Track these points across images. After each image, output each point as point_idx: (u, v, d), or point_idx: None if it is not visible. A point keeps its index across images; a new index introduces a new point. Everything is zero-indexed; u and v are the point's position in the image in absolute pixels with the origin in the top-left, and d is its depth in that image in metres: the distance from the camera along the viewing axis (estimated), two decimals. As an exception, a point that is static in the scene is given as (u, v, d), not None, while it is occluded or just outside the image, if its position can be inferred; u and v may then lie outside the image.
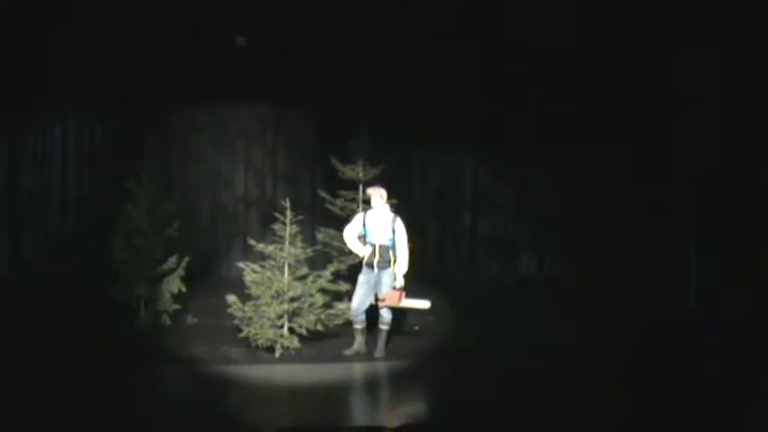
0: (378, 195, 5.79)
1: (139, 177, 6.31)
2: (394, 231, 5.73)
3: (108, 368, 5.26)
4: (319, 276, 5.91)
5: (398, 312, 5.94)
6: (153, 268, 6.23)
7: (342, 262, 6.57)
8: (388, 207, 5.83)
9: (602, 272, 8.01)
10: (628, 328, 6.21)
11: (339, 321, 5.93)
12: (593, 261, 8.26)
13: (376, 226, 5.75)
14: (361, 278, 5.83)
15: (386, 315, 5.74)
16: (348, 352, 5.79)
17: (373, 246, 5.76)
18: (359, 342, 5.84)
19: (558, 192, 8.71)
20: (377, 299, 5.68)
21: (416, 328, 6.54)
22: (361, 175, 6.66)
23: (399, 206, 6.10)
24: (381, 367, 5.69)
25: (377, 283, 5.75)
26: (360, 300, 5.77)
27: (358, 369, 5.61)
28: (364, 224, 5.84)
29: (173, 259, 6.35)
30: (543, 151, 8.61)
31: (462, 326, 6.63)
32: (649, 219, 7.59)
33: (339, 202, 6.70)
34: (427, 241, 8.61)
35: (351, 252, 6.02)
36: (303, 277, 5.84)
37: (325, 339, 5.95)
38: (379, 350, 5.75)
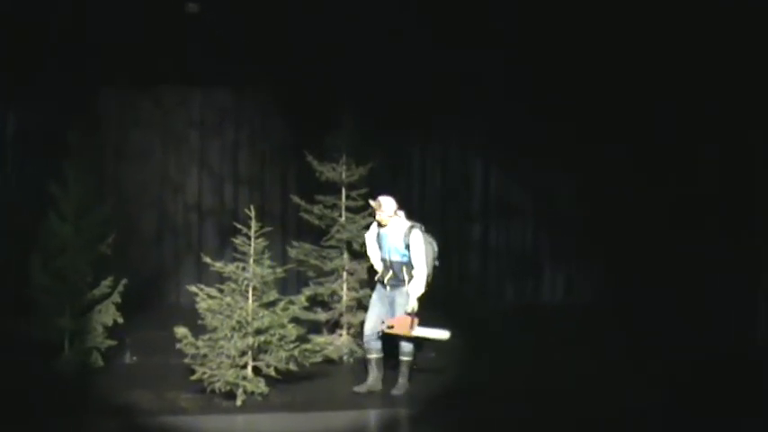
0: (385, 207, 5.83)
1: (64, 180, 6.16)
2: (408, 246, 5.72)
3: (21, 426, 5.11)
4: (292, 303, 5.85)
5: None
6: (81, 295, 6.15)
7: (320, 284, 6.61)
8: (403, 215, 5.83)
9: (647, 296, 8.05)
10: (682, 369, 6.30)
11: (317, 359, 5.88)
12: (636, 283, 8.29)
13: (387, 239, 5.81)
14: (374, 297, 5.91)
15: (405, 345, 5.77)
16: (359, 389, 5.81)
17: (385, 261, 5.83)
18: (373, 377, 5.85)
19: (590, 197, 8.75)
20: (389, 327, 5.72)
21: (414, 366, 6.47)
22: (343, 176, 6.68)
23: (411, 215, 6.22)
24: (371, 418, 5.63)
25: (391, 305, 5.79)
26: (372, 323, 5.80)
27: (340, 420, 5.53)
28: (378, 237, 5.92)
29: (106, 282, 6.28)
30: (571, 148, 8.66)
31: (470, 364, 6.69)
32: (711, 232, 7.62)
33: (317, 209, 6.69)
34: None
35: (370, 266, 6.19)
36: (272, 304, 5.81)
37: (300, 382, 5.92)
38: (399, 386, 5.80)
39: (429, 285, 5.77)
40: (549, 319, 8.30)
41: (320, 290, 6.63)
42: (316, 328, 6.63)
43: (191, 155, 8.94)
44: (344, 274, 6.58)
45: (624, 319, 7.93)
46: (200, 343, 5.67)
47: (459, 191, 9.08)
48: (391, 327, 5.68)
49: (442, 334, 5.84)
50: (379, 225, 5.82)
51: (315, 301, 6.55)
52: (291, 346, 5.75)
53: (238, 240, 5.75)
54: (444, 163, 9.11)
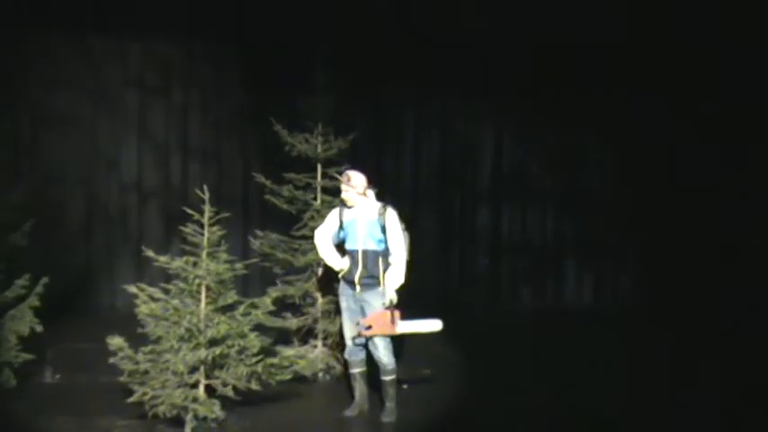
0: (355, 182, 5.82)
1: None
2: (384, 228, 5.76)
3: None
4: (255, 306, 5.79)
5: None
6: (-11, 297, 6.04)
7: (290, 284, 6.65)
8: (373, 195, 5.89)
9: (694, 300, 8.19)
10: (740, 394, 6.34)
11: (285, 376, 5.81)
12: (680, 284, 8.47)
13: (358, 224, 5.84)
14: (342, 302, 5.93)
15: (384, 358, 5.80)
16: (350, 412, 5.93)
17: (354, 253, 5.82)
18: (359, 394, 5.95)
19: (629, 178, 8.97)
20: (367, 327, 5.73)
21: (405, 386, 6.51)
22: (319, 149, 6.75)
23: (381, 195, 6.28)
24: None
25: (363, 308, 5.82)
26: (352, 332, 5.88)
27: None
28: (341, 223, 5.92)
29: (21, 282, 6.23)
30: (606, 115, 8.82)
31: (475, 383, 6.76)
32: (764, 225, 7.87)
33: (286, 190, 6.73)
34: (421, 247, 8.65)
35: (324, 265, 6.12)
36: (230, 308, 5.78)
37: (264, 405, 5.92)
38: (387, 412, 5.87)
39: (406, 280, 5.82)
40: (574, 326, 8.39)
41: (290, 290, 6.66)
42: (284, 337, 6.70)
43: (128, 121, 8.98)
44: (320, 270, 6.58)
45: (669, 326, 8.05)
46: (139, 356, 5.62)
47: (463, 167, 9.17)
48: (369, 327, 5.72)
49: (433, 324, 5.86)
50: (345, 206, 5.88)
51: (283, 305, 6.60)
52: (254, 360, 5.73)
53: (188, 229, 5.69)
54: (445, 132, 9.17)
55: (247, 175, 7.82)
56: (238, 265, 5.79)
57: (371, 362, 5.92)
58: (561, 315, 8.70)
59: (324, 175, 6.81)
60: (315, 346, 6.79)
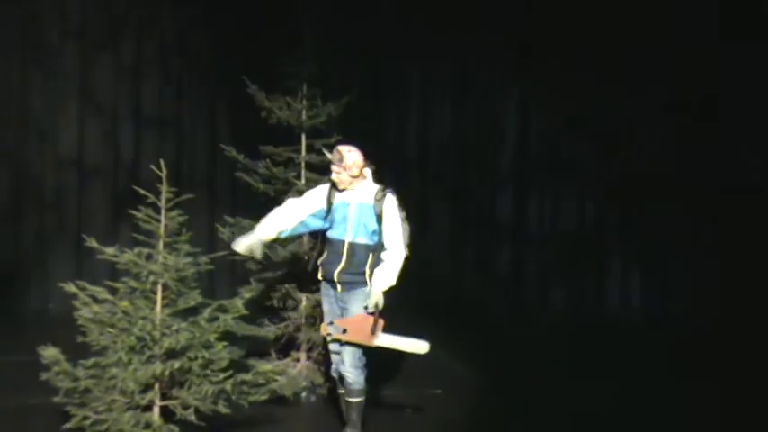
0: (349, 162, 5.82)
1: None
2: (380, 219, 5.81)
3: None
4: (223, 310, 5.79)
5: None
6: None
7: (267, 282, 6.67)
8: (369, 177, 5.90)
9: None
10: None
11: (261, 397, 5.85)
12: (754, 294, 8.48)
13: (349, 209, 5.87)
14: (324, 305, 6.05)
15: (349, 375, 5.89)
16: None
17: (337, 244, 5.87)
18: (353, 421, 6.00)
19: (686, 159, 8.93)
20: (342, 331, 5.81)
21: (408, 409, 6.56)
22: (304, 116, 6.78)
23: (380, 176, 6.25)
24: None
25: (342, 314, 5.90)
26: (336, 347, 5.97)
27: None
28: (329, 204, 5.93)
29: None
30: (659, 81, 8.87)
31: (493, 408, 6.77)
32: None
33: (262, 166, 6.74)
34: (430, 240, 8.78)
35: (317, 259, 6.07)
36: (192, 312, 5.78)
37: (235, 430, 5.91)
38: None
39: (405, 283, 5.87)
40: (616, 340, 8.39)
41: (267, 291, 6.68)
42: (260, 348, 6.71)
43: (66, 82, 8.99)
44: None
45: (738, 347, 8.01)
46: (79, 372, 5.60)
47: (480, 141, 9.18)
48: (345, 331, 5.79)
49: (418, 346, 5.92)
50: (335, 188, 5.89)
51: (259, 308, 6.62)
52: (222, 376, 5.71)
53: (141, 214, 5.68)
54: (459, 98, 9.17)
55: (215, 149, 7.85)
56: (203, 259, 5.79)
57: (367, 377, 5.96)
58: (600, 326, 8.72)
59: (309, 149, 6.80)
60: (297, 360, 6.78)
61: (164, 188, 5.67)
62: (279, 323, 6.78)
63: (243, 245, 5.96)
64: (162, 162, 5.65)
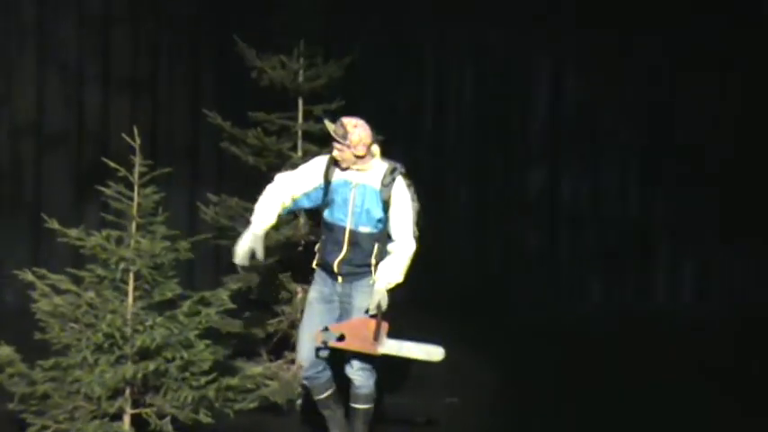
0: (355, 138, 5.76)
1: None
2: (387, 205, 5.81)
3: None
4: (206, 303, 5.78)
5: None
6: None
7: (257, 271, 6.68)
8: (377, 155, 5.89)
9: None
10: None
11: (249, 405, 5.83)
12: None
13: (351, 191, 5.87)
14: (313, 294, 6.00)
15: (358, 377, 5.91)
16: None
17: (337, 230, 5.87)
18: (339, 428, 6.11)
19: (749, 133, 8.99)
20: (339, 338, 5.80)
21: (420, 421, 6.59)
22: (301, 77, 6.81)
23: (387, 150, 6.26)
24: None
25: (344, 311, 5.89)
26: (311, 343, 5.95)
27: None
28: (327, 182, 5.90)
29: None
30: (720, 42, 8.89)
31: (520, 419, 6.78)
32: None
33: (252, 136, 6.76)
34: (449, 222, 8.83)
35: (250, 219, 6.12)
36: (169, 305, 5.77)
37: None
38: None
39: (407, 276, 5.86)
40: (665, 339, 8.39)
41: (256, 280, 6.69)
42: (248, 348, 6.74)
43: (23, 36, 8.96)
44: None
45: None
46: (37, 374, 5.60)
47: (508, 110, 9.17)
48: (342, 338, 5.73)
49: (432, 352, 5.89)
50: (336, 165, 5.89)
51: (246, 301, 6.63)
52: (203, 380, 5.69)
53: (110, 191, 5.71)
54: (481, 60, 9.17)
55: (197, 115, 7.78)
56: (182, 244, 5.78)
57: (343, 377, 5.99)
58: (647, 322, 8.70)
59: (307, 116, 6.80)
60: (291, 362, 6.75)
61: (137, 160, 5.64)
62: (270, 319, 6.79)
63: (242, 252, 5.99)
64: (135, 130, 5.62)
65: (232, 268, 6.70)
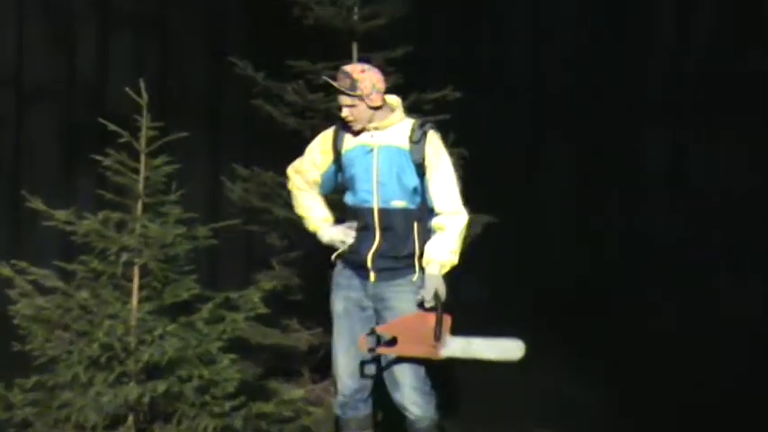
0: (365, 84, 5.77)
1: None
2: (421, 169, 5.75)
3: None
4: (231, 307, 5.84)
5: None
6: None
7: (292, 266, 6.87)
8: (397, 107, 5.88)
9: None
10: None
11: None
12: None
13: (373, 158, 5.84)
14: (337, 304, 5.94)
15: (414, 405, 5.83)
16: None
17: (363, 213, 5.84)
18: None
19: None
20: (378, 341, 5.76)
21: None
22: (355, 15, 6.92)
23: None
24: None
25: (379, 314, 5.84)
26: (347, 359, 5.96)
27: None
28: (337, 154, 5.91)
29: None
30: None
31: None
32: None
33: (292, 90, 6.89)
34: (526, 203, 8.92)
35: (308, 230, 6.17)
36: (184, 309, 5.80)
37: None
38: None
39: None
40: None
41: (296, 279, 6.79)
42: (285, 365, 6.85)
43: None
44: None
45: None
46: (15, 396, 5.60)
47: (617, 60, 9.21)
48: (392, 342, 5.65)
49: (508, 348, 5.78)
50: (346, 130, 5.89)
51: (284, 305, 6.73)
52: (228, 405, 5.69)
53: (109, 161, 5.73)
54: None
55: (220, 64, 7.78)
56: (202, 230, 5.81)
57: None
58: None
59: (361, 61, 6.73)
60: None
61: (144, 122, 5.64)
62: (314, 327, 6.83)
63: (336, 234, 5.94)
64: (141, 82, 5.62)
65: (266, 262, 6.80)
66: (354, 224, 5.84)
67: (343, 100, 5.72)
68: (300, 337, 6.76)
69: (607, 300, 9.12)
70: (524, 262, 8.68)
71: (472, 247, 6.03)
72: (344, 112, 5.73)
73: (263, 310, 5.92)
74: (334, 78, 5.75)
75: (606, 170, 9.36)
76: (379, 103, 5.69)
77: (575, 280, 9.14)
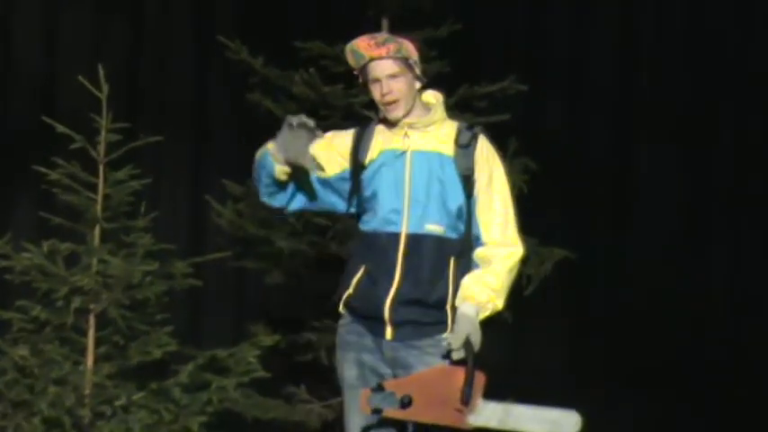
0: (410, 48, 5.66)
1: None
2: (468, 183, 5.64)
3: None
4: (220, 369, 6.06)
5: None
6: None
7: (299, 315, 6.98)
8: (439, 103, 5.75)
9: None
10: None
11: None
12: None
13: (405, 164, 5.70)
14: (350, 373, 5.78)
15: None
16: None
17: (387, 241, 5.69)
18: None
19: None
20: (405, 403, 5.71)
21: None
22: None
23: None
24: None
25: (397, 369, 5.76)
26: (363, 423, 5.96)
27: None
28: (355, 161, 5.72)
29: None
30: None
31: None
32: None
33: (300, 79, 6.98)
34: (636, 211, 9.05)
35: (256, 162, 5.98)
36: (156, 372, 6.00)
37: None
38: None
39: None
40: None
41: (305, 334, 6.92)
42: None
43: None
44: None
45: None
46: None
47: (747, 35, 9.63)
48: (408, 402, 5.58)
49: (560, 421, 5.76)
50: (369, 134, 5.77)
51: (291, 366, 6.89)
52: None
53: (56, 173, 5.87)
54: None
55: (205, 44, 8.01)
56: (180, 266, 5.94)
57: None
58: None
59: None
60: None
61: (103, 122, 5.74)
62: (328, 398, 6.83)
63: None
64: (101, 70, 5.68)
65: (265, 307, 6.93)
66: (320, 132, 5.50)
67: (386, 68, 5.47)
68: (311, 411, 6.82)
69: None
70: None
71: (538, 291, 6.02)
72: (385, 88, 5.48)
73: (260, 373, 6.00)
74: (355, 57, 5.49)
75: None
76: (421, 84, 5.57)
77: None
